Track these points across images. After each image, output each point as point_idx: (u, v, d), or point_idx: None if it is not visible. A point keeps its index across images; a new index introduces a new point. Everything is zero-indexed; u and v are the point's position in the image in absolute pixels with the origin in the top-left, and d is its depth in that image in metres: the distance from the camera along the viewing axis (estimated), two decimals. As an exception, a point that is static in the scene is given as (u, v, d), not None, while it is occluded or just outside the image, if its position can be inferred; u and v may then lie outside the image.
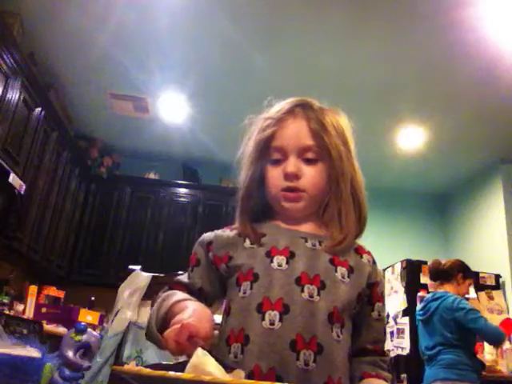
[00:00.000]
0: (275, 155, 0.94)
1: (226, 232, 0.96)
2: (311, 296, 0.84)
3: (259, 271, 0.87)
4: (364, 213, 0.95)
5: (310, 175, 0.92)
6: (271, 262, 0.87)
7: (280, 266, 0.87)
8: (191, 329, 0.70)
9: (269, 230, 0.93)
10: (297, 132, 0.93)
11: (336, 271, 0.88)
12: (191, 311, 0.75)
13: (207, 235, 0.97)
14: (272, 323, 0.81)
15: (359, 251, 0.95)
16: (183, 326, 0.70)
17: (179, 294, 0.85)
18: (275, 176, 0.93)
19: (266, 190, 0.95)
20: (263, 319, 0.82)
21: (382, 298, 0.95)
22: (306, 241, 0.91)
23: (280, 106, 0.98)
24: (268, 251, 0.89)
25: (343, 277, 0.88)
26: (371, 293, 0.93)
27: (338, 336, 0.84)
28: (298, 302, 0.83)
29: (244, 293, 0.87)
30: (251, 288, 0.86)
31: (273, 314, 0.82)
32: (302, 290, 0.84)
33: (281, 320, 0.82)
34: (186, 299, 0.83)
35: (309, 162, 0.92)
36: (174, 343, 0.69)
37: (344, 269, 0.89)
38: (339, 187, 0.92)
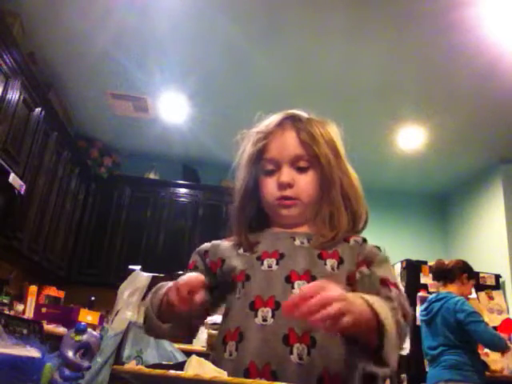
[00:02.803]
0: (268, 166, 0.98)
1: (224, 242, 1.01)
2: None
3: (251, 273, 0.91)
4: (358, 210, 0.97)
5: (303, 183, 0.96)
6: (262, 264, 0.92)
7: (270, 267, 0.91)
8: (187, 284, 0.79)
9: (262, 238, 0.97)
10: (287, 143, 0.97)
11: (325, 264, 0.90)
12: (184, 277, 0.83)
13: (204, 245, 1.03)
14: (265, 319, 0.84)
15: (347, 239, 0.95)
16: (180, 285, 0.80)
17: (170, 283, 0.88)
18: (270, 186, 0.97)
19: (262, 200, 1.00)
20: (256, 316, 0.85)
21: (368, 262, 0.91)
22: (294, 239, 0.94)
23: (269, 120, 1.02)
24: (259, 256, 0.94)
25: (333, 269, 0.90)
26: (356, 264, 0.92)
27: None
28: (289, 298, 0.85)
29: (239, 293, 0.91)
30: (243, 287, 0.90)
31: (265, 311, 0.85)
32: (293, 287, 0.87)
33: (273, 316, 0.84)
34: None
35: (301, 170, 0.97)
36: (177, 298, 0.79)
37: (333, 260, 0.91)
38: (330, 193, 0.96)
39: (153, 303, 0.91)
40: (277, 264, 0.91)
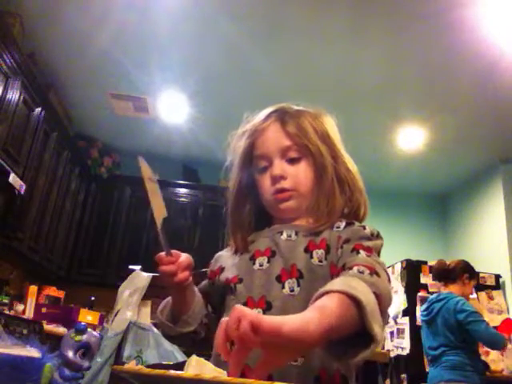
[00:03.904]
0: (261, 163, 0.97)
1: (225, 252, 1.03)
2: (292, 290, 0.86)
3: (242, 274, 0.91)
4: (355, 196, 0.95)
5: (296, 174, 0.95)
6: (253, 264, 0.92)
7: (261, 265, 0.91)
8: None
9: (259, 236, 0.97)
10: (274, 136, 0.96)
11: (312, 257, 0.88)
12: None
13: None
14: None
15: (334, 225, 0.92)
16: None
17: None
18: (265, 182, 0.96)
19: (262, 199, 0.99)
20: None
21: (344, 242, 0.86)
22: (282, 234, 0.93)
23: (256, 117, 1.01)
24: (252, 255, 0.94)
25: (320, 261, 0.87)
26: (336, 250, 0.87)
27: None
28: (279, 298, 0.85)
29: (233, 295, 0.91)
30: (236, 289, 0.91)
31: (257, 312, 0.84)
32: (283, 287, 0.86)
33: None
34: None
35: (292, 161, 0.95)
36: (161, 264, 0.86)
37: (321, 251, 0.88)
38: (323, 182, 0.94)
39: (163, 312, 0.96)
40: (268, 262, 0.91)
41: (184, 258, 0.87)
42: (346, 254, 0.83)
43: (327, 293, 0.66)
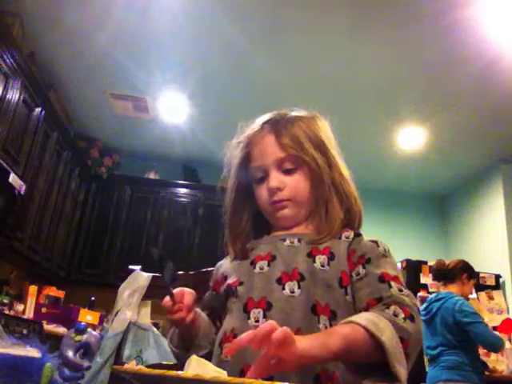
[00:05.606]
0: (257, 174, 0.99)
1: (225, 260, 1.05)
2: (292, 292, 0.87)
3: (243, 278, 0.93)
4: (351, 204, 0.97)
5: (292, 184, 0.96)
6: (254, 268, 0.93)
7: (262, 269, 0.92)
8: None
9: (258, 244, 0.99)
10: (268, 148, 0.98)
11: (314, 261, 0.89)
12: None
13: None
14: (257, 321, 0.85)
15: (339, 234, 0.94)
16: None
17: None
18: (262, 193, 0.98)
19: (259, 207, 1.01)
20: (249, 318, 0.86)
21: (364, 260, 0.88)
22: (285, 240, 0.95)
23: (250, 127, 1.03)
24: (252, 260, 0.95)
25: (323, 265, 0.89)
26: (351, 263, 0.89)
27: (327, 328, 0.83)
28: (280, 299, 0.86)
29: (235, 298, 0.92)
30: (237, 292, 0.92)
31: (257, 312, 0.86)
32: (284, 288, 0.88)
33: (265, 317, 0.85)
34: None
35: (288, 171, 0.97)
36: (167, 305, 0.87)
37: (324, 256, 0.90)
38: (319, 190, 0.96)
39: (173, 340, 0.98)
40: (268, 265, 0.92)
41: (187, 296, 0.88)
42: (372, 282, 0.85)
43: (354, 323, 0.71)
